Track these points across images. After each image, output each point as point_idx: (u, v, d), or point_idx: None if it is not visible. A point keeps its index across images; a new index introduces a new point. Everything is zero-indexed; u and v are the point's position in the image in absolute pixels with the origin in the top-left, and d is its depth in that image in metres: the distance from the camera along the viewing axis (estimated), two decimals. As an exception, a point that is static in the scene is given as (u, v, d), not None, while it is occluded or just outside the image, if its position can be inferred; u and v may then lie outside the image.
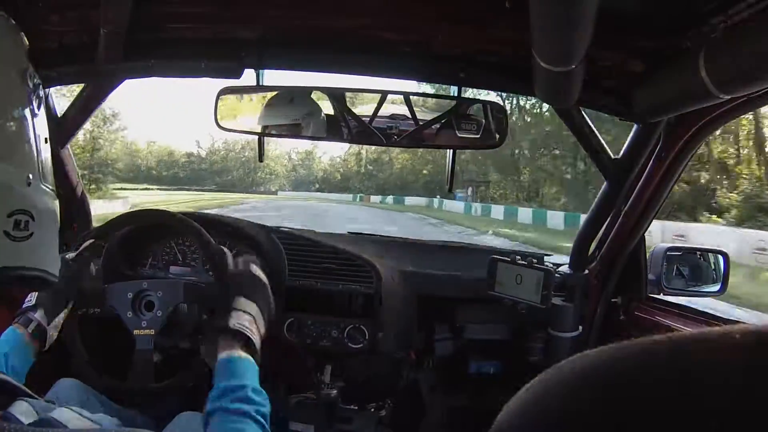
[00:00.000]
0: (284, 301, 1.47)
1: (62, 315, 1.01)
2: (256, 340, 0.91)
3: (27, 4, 0.94)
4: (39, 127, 0.55)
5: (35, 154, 0.55)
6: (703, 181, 17.90)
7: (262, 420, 0.75)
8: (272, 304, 1.01)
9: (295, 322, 1.46)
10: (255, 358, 0.89)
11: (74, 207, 1.47)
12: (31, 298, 0.99)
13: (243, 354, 0.86)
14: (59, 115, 1.29)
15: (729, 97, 0.82)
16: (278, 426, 1.56)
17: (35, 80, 0.55)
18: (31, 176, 0.53)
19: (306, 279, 1.48)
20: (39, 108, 0.55)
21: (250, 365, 0.86)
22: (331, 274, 1.48)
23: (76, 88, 1.32)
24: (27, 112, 0.53)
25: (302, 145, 62.05)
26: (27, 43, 0.56)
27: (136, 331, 1.12)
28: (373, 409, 1.63)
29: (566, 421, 0.25)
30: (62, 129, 1.29)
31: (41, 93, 0.56)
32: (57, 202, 0.59)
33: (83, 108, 1.29)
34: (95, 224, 1.51)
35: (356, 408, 1.61)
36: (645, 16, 0.89)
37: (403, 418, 1.67)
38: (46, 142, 0.57)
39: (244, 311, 0.93)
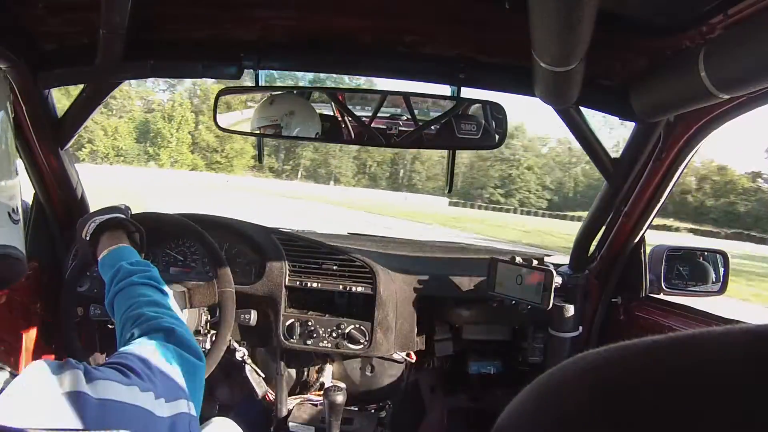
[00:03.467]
0: (284, 302, 1.47)
1: None
2: (108, 218, 1.00)
3: (27, 6, 0.94)
4: (10, 125, 0.60)
5: (15, 148, 0.60)
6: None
7: (146, 281, 0.79)
8: (101, 208, 1.09)
9: (295, 323, 1.46)
10: (127, 239, 0.98)
11: (74, 207, 1.47)
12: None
13: (110, 249, 0.93)
14: (59, 116, 1.29)
15: (729, 96, 0.82)
16: (278, 426, 1.56)
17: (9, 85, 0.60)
18: (17, 170, 0.58)
19: (306, 280, 1.48)
20: (10, 106, 0.60)
21: (118, 250, 0.92)
22: (331, 275, 1.48)
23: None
24: (7, 117, 0.58)
25: None
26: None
27: None
28: (373, 410, 1.63)
29: (567, 421, 0.25)
30: (62, 130, 1.29)
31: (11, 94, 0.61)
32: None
33: (83, 109, 1.29)
34: None
35: (356, 409, 1.61)
36: (645, 16, 0.89)
37: (403, 419, 1.67)
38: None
39: (88, 228, 1.01)
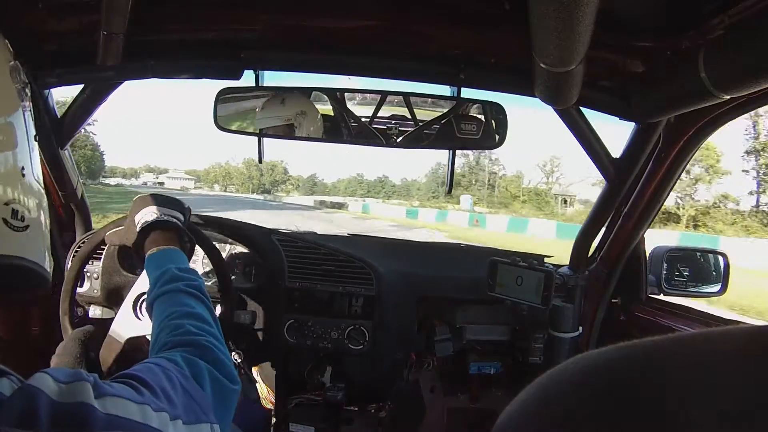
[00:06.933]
0: (285, 303, 1.47)
1: None
2: (167, 219, 0.98)
3: (27, 6, 0.94)
4: (28, 123, 0.56)
5: (27, 149, 0.55)
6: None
7: (192, 290, 0.78)
8: (170, 197, 1.07)
9: (295, 324, 1.46)
10: (179, 241, 0.96)
11: (74, 208, 1.47)
12: None
13: (161, 246, 0.92)
14: (59, 116, 1.29)
15: (729, 97, 0.82)
16: (278, 426, 1.56)
17: (23, 78, 0.56)
18: (24, 168, 0.54)
19: (306, 280, 1.48)
20: (27, 105, 0.57)
21: (169, 252, 0.90)
22: (331, 276, 1.48)
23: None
24: (18, 107, 0.54)
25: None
26: (8, 43, 0.57)
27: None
28: (373, 410, 1.63)
29: (567, 421, 0.25)
30: (62, 130, 1.29)
31: (28, 91, 0.57)
32: (47, 205, 0.60)
33: (82, 109, 1.29)
34: (95, 226, 1.52)
35: (357, 409, 1.61)
36: (645, 16, 0.89)
37: (403, 419, 1.67)
38: (35, 140, 0.58)
39: (143, 216, 0.99)
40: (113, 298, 1.22)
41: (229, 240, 1.49)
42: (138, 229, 0.97)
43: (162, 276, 0.81)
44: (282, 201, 45.70)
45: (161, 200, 1.03)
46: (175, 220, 1.00)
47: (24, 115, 0.55)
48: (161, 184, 70.48)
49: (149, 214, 0.99)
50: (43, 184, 0.59)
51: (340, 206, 40.07)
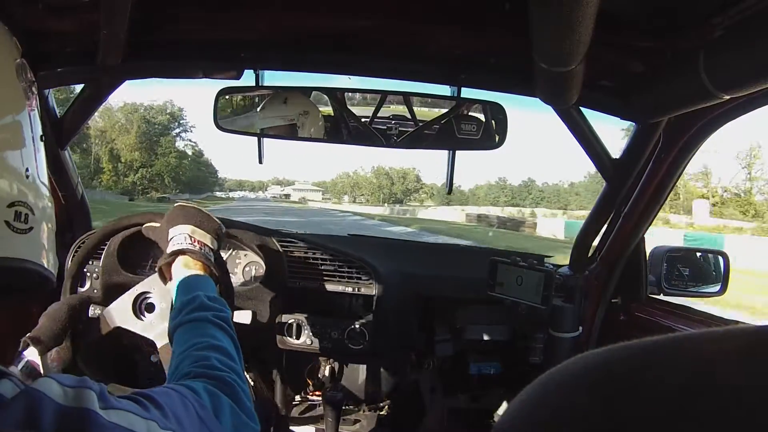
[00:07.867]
0: (285, 303, 1.47)
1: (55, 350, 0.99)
2: (198, 249, 0.95)
3: (27, 5, 0.94)
4: (35, 123, 0.55)
5: (32, 149, 0.54)
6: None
7: (220, 322, 0.76)
8: (210, 218, 1.03)
9: (295, 324, 1.46)
10: (208, 270, 0.93)
11: (74, 208, 1.47)
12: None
13: (192, 271, 0.90)
14: (59, 116, 1.29)
15: (729, 97, 0.82)
16: (278, 426, 1.56)
17: (29, 76, 0.55)
18: (29, 169, 0.53)
19: (306, 280, 1.48)
20: (33, 104, 0.55)
21: (200, 278, 0.88)
22: (331, 276, 1.48)
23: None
24: (24, 106, 0.53)
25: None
26: (17, 41, 0.55)
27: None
28: (373, 410, 1.63)
29: (567, 422, 0.25)
30: (62, 130, 1.29)
31: (35, 90, 0.56)
32: (52, 205, 0.59)
33: (83, 109, 1.29)
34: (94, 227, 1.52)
35: (356, 409, 1.62)
36: (645, 16, 0.89)
37: (403, 419, 1.67)
38: (41, 140, 0.56)
39: (177, 234, 0.96)
40: (113, 297, 1.22)
41: (229, 240, 1.50)
42: (169, 251, 0.95)
43: (190, 302, 0.79)
44: (414, 215, 36.40)
45: (198, 220, 0.99)
46: (207, 248, 0.97)
47: (30, 114, 0.54)
48: (287, 196, 70.66)
49: (183, 237, 0.96)
50: (48, 186, 0.59)
51: (517, 226, 28.02)
